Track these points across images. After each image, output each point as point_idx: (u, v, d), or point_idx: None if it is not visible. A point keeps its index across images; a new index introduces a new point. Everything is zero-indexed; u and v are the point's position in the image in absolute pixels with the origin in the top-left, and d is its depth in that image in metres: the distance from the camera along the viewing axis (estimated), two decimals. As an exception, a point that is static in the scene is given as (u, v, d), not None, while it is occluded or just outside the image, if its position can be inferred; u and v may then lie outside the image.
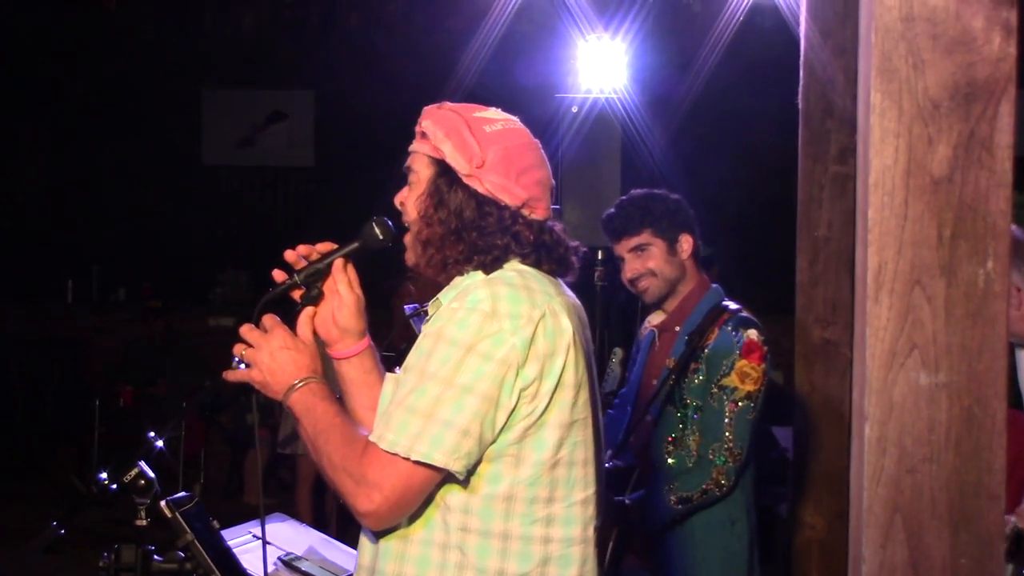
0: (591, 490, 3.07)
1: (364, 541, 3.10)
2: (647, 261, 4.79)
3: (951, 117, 2.08)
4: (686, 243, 4.82)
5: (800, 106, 5.62)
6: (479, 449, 2.90)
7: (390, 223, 3.26)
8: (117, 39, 14.16)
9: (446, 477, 2.92)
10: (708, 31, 10.28)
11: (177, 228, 14.39)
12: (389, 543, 3.02)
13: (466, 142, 3.06)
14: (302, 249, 3.30)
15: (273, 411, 9.95)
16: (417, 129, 3.17)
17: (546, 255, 3.11)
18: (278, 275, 3.29)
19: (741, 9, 9.59)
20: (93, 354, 13.07)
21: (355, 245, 3.28)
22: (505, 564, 2.95)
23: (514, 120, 3.19)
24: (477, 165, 3.04)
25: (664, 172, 9.74)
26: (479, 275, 3.06)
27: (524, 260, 3.08)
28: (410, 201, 3.15)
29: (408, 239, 3.19)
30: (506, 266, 3.06)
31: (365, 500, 2.88)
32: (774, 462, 7.08)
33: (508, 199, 3.07)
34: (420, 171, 3.13)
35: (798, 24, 5.70)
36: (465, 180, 3.06)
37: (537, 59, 10.78)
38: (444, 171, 3.08)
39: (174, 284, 13.40)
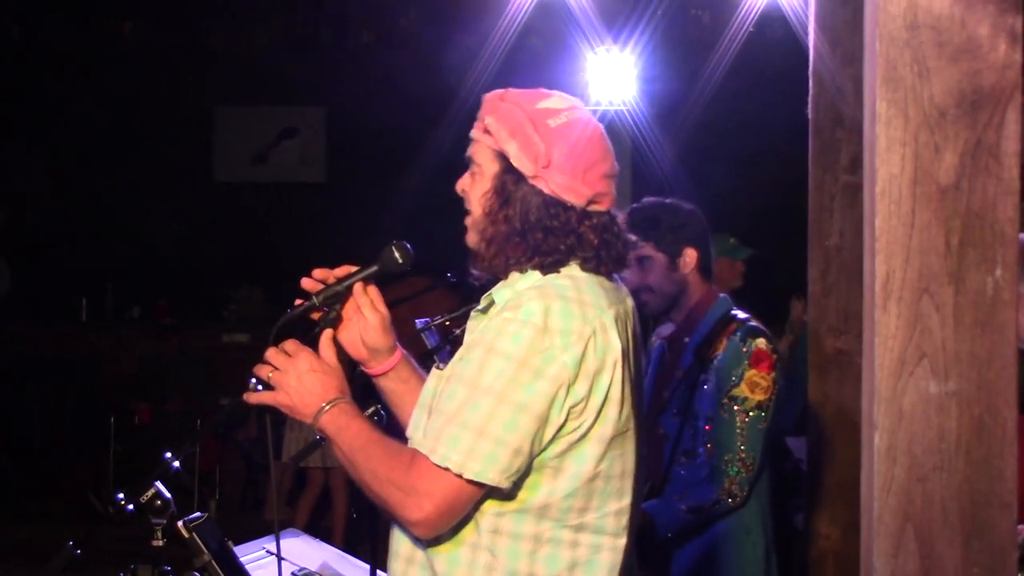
0: (626, 501, 3.04)
1: (398, 530, 3.08)
2: (646, 276, 4.75)
3: (957, 125, 2.07)
4: (689, 257, 4.76)
5: (809, 116, 5.59)
6: (527, 464, 2.89)
7: (409, 247, 3.26)
8: (129, 57, 14.20)
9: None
10: (717, 42, 10.27)
11: (190, 245, 14.41)
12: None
13: (531, 142, 3.00)
14: (318, 273, 3.28)
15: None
16: (479, 120, 3.12)
17: (606, 256, 3.07)
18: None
19: (750, 20, 9.58)
20: (108, 372, 13.08)
21: (374, 268, 3.28)
22: (534, 567, 2.94)
23: (577, 107, 3.12)
24: (543, 165, 2.99)
25: (673, 183, 9.73)
26: (536, 275, 3.03)
27: (584, 264, 3.04)
28: (474, 195, 3.10)
29: (469, 223, 3.14)
30: (563, 271, 3.02)
31: (415, 509, 2.86)
32: (788, 472, 7.05)
33: (574, 199, 3.01)
34: (485, 164, 3.08)
35: (807, 34, 5.69)
36: (531, 181, 3.01)
37: (546, 72, 10.77)
38: (510, 168, 3.03)
39: (188, 301, 13.41)
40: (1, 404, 12.71)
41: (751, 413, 4.58)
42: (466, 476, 2.82)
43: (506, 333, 2.87)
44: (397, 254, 3.27)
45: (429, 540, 2.97)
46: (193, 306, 13.41)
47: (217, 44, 14.46)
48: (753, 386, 4.58)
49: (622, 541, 3.04)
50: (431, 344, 4.44)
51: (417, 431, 3.07)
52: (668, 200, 4.89)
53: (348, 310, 3.27)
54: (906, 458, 2.07)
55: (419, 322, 4.49)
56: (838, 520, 5.51)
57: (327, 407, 3.06)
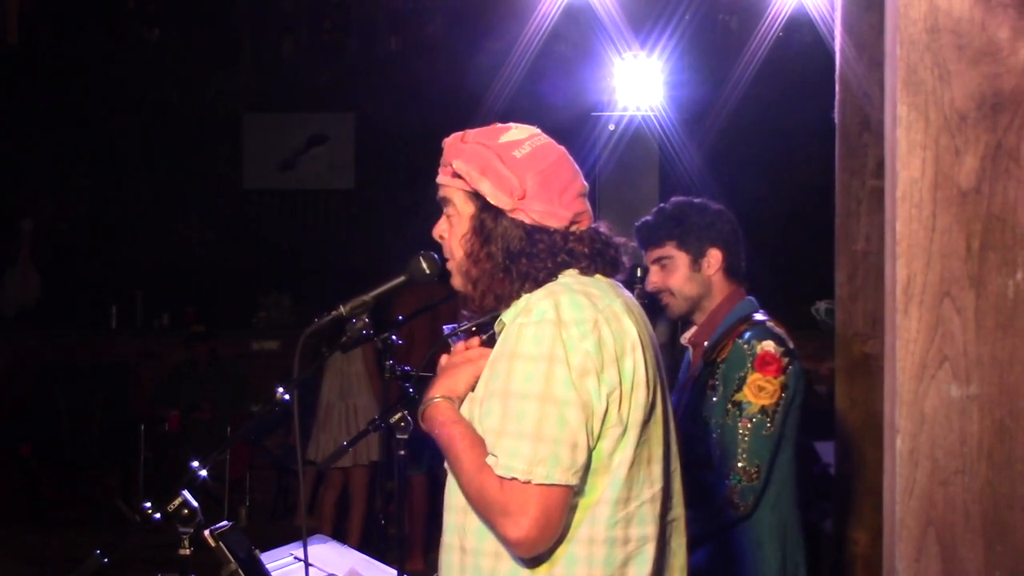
0: (658, 487, 3.05)
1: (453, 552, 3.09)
2: (667, 277, 4.63)
3: (978, 128, 2.07)
4: (714, 258, 4.61)
5: (836, 120, 5.59)
6: (587, 458, 2.90)
7: (436, 257, 3.28)
8: (157, 64, 14.24)
9: None
10: (744, 47, 10.27)
11: (219, 252, 14.43)
12: (481, 558, 3.01)
13: (503, 177, 3.04)
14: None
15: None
16: (445, 165, 3.15)
17: (601, 261, 3.11)
18: None
19: (777, 25, 9.58)
20: (138, 380, 13.11)
21: (401, 279, 3.33)
22: (592, 569, 2.94)
23: (537, 133, 3.17)
24: (519, 197, 3.03)
25: (701, 188, 9.71)
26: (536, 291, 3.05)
27: (582, 273, 3.07)
28: (454, 239, 3.14)
29: (452, 267, 3.18)
30: (560, 276, 3.05)
31: (501, 528, 2.86)
32: (817, 478, 7.04)
33: (555, 223, 3.06)
34: (460, 206, 3.12)
35: (834, 39, 5.68)
36: (510, 214, 3.05)
37: (574, 78, 10.78)
38: (486, 206, 3.07)
39: (217, 308, 13.44)
40: (30, 412, 12.76)
41: (754, 419, 4.38)
42: (535, 481, 2.82)
43: (525, 337, 2.90)
44: (424, 264, 3.32)
45: (489, 562, 2.97)
46: (222, 313, 13.43)
47: (244, 51, 14.49)
48: (757, 390, 4.38)
49: (659, 527, 3.06)
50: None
51: None
52: (697, 200, 4.74)
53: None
54: (928, 461, 2.07)
55: (447, 328, 4.49)
56: (867, 526, 5.49)
57: (437, 400, 3.11)
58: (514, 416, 2.86)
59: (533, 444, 2.83)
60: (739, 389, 4.42)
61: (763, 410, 4.39)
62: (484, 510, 2.90)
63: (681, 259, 4.63)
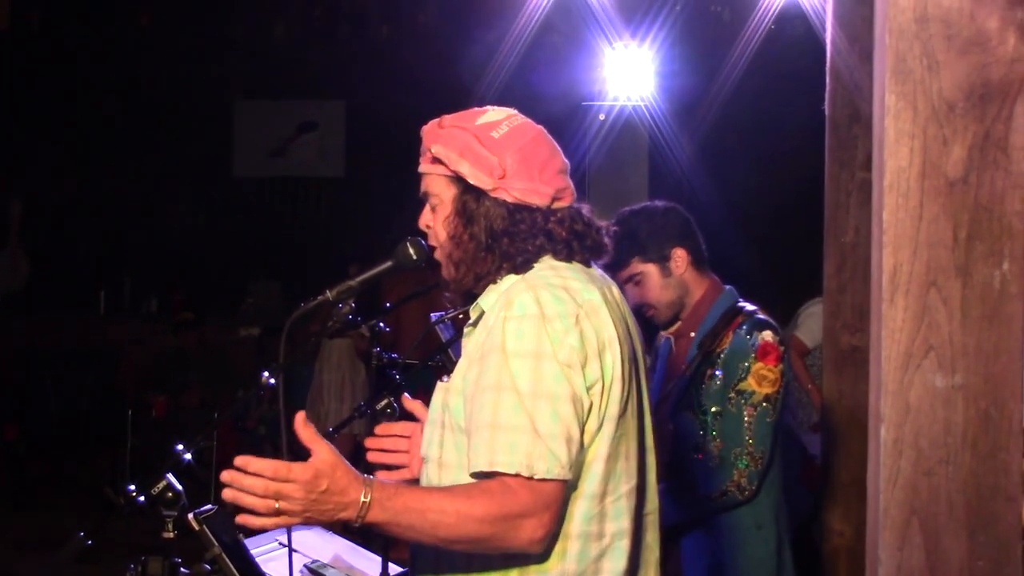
0: (634, 481, 3.05)
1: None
2: (644, 292, 4.68)
3: (966, 118, 2.07)
4: (679, 258, 4.68)
5: (827, 112, 5.59)
6: (580, 451, 2.89)
7: (424, 243, 3.29)
8: (148, 51, 14.22)
9: None
10: (736, 38, 10.26)
11: (208, 239, 14.43)
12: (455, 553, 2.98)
13: (481, 157, 3.04)
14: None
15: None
16: (424, 152, 3.15)
17: (578, 246, 3.10)
18: None
19: (769, 16, 9.57)
20: (126, 364, 13.11)
21: (388, 264, 3.34)
22: (565, 564, 2.93)
23: (514, 114, 3.17)
24: (499, 176, 3.03)
25: (691, 179, 9.72)
26: (512, 277, 3.05)
27: (556, 256, 3.07)
28: (438, 224, 3.14)
29: (439, 255, 3.18)
30: (537, 265, 3.05)
31: (528, 531, 2.79)
32: (798, 464, 7.04)
33: (537, 200, 3.05)
34: (441, 192, 3.12)
35: (825, 31, 5.67)
36: (492, 194, 3.05)
37: (564, 67, 10.77)
38: (467, 188, 3.07)
39: (205, 294, 13.44)
40: (19, 396, 12.75)
41: (759, 407, 4.51)
42: (537, 476, 2.79)
43: (510, 332, 2.88)
44: (411, 250, 3.33)
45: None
46: (210, 299, 13.43)
47: (236, 38, 14.46)
48: (760, 379, 4.51)
49: (636, 522, 3.06)
50: (446, 337, 4.45)
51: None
52: (638, 207, 4.80)
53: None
54: (912, 451, 2.07)
55: (434, 315, 4.50)
56: (851, 516, 5.49)
57: (366, 500, 2.75)
58: (509, 411, 2.83)
59: (531, 438, 2.80)
60: (743, 378, 4.54)
61: (767, 398, 4.53)
62: (494, 532, 2.79)
63: (650, 271, 4.70)
